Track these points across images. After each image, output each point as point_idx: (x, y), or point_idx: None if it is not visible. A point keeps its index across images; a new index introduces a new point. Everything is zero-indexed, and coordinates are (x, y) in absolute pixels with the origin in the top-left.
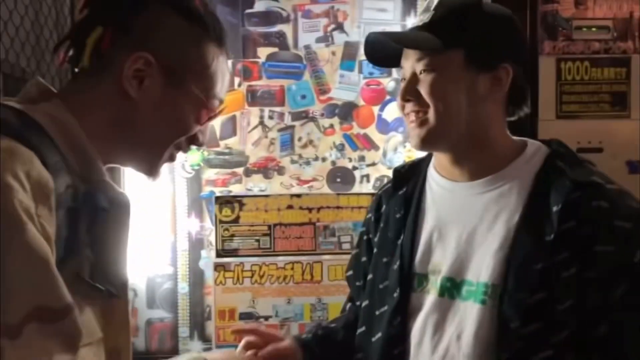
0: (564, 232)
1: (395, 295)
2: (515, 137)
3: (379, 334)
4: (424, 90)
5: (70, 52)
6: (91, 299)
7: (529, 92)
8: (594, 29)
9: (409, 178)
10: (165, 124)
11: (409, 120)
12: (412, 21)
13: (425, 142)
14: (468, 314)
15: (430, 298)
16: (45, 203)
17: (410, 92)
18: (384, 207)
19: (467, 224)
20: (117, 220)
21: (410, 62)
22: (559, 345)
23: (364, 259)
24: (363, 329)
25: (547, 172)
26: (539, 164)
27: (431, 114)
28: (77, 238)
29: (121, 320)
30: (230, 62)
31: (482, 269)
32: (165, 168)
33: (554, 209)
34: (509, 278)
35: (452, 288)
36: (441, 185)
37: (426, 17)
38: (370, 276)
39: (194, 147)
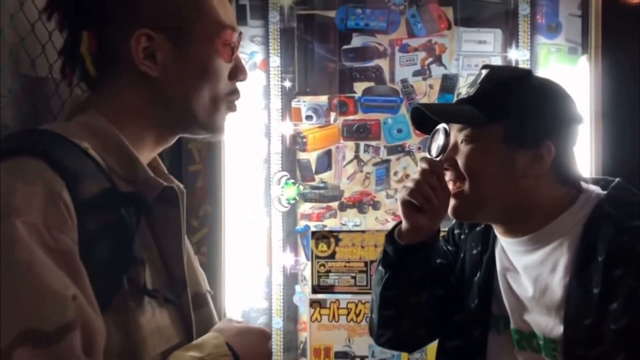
0: (612, 281)
1: (475, 334)
2: (568, 188)
3: None
4: (461, 161)
5: (74, 68)
6: (161, 305)
7: (575, 164)
8: None
9: None
10: (197, 81)
11: (450, 188)
12: (513, 53)
13: (459, 214)
14: None
15: (506, 342)
16: (56, 211)
17: (449, 161)
18: (463, 235)
19: (525, 279)
20: (167, 218)
21: (454, 132)
22: None
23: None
24: None
25: (595, 220)
26: (588, 212)
27: (467, 187)
28: (127, 241)
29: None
30: (326, 97)
31: (545, 325)
32: (261, 202)
33: (599, 258)
34: (566, 335)
35: (521, 340)
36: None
37: (472, 90)
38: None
39: (240, 82)
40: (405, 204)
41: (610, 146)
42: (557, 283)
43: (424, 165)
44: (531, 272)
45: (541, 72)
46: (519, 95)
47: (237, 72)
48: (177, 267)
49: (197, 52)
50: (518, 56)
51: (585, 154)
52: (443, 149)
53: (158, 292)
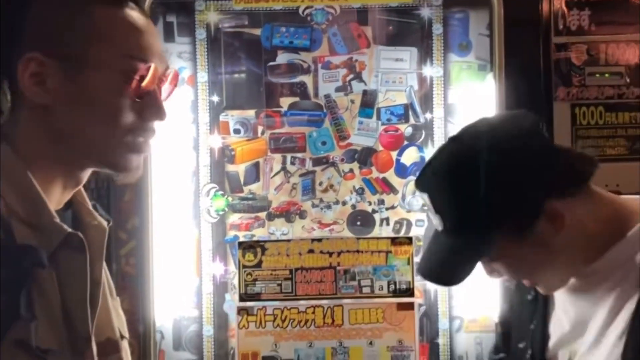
0: None
1: None
2: (621, 215)
3: None
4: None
5: None
6: None
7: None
8: (607, 75)
9: None
10: (88, 114)
11: None
12: (428, 70)
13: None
14: None
15: None
16: None
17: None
18: None
19: (580, 320)
20: (70, 266)
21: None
22: None
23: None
24: None
25: None
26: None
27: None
28: (16, 298)
29: None
30: (254, 111)
31: None
32: (190, 214)
33: None
34: None
35: None
36: None
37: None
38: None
39: (156, 122)
40: None
41: None
42: (615, 323)
43: None
44: (582, 312)
45: (454, 87)
46: (460, 181)
47: (148, 111)
48: (79, 321)
49: (90, 83)
50: (432, 73)
51: None
52: None
53: (49, 353)
